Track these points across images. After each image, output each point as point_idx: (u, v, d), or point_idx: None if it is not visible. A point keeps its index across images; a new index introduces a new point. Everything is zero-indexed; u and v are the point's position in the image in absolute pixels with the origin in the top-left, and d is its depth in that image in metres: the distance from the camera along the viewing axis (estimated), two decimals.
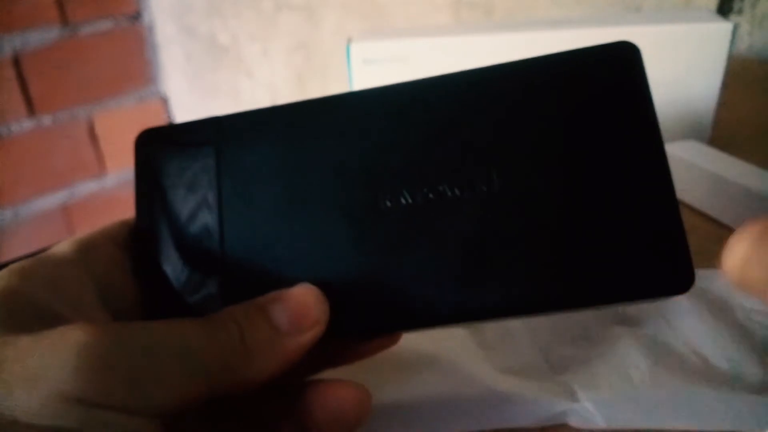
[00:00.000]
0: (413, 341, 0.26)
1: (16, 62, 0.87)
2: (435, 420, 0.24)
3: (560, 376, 0.25)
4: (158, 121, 1.06)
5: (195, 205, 0.22)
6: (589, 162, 0.19)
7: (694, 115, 0.41)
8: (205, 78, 1.02)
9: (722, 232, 0.34)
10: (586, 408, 0.23)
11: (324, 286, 0.20)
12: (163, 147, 0.23)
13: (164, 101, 1.06)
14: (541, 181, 0.20)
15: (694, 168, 0.36)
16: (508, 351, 0.26)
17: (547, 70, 0.20)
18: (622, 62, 0.20)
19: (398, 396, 0.24)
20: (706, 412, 0.23)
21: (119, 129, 1.00)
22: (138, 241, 0.22)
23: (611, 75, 0.20)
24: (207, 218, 0.22)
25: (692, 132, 0.42)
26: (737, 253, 0.16)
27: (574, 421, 0.23)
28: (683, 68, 0.40)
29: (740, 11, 0.62)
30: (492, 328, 0.27)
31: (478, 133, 0.20)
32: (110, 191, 1.03)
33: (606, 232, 0.19)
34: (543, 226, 0.19)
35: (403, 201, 0.20)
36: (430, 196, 0.20)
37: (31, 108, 0.91)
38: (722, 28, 0.39)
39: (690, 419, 0.22)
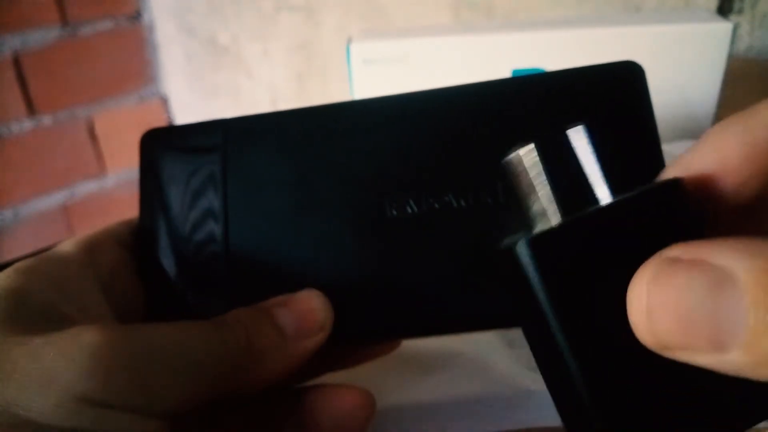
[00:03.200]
0: (441, 341, 0.26)
1: (16, 62, 0.87)
2: (466, 418, 0.24)
3: None
4: (158, 121, 1.06)
5: (200, 207, 0.22)
6: None
7: (694, 115, 0.41)
8: (205, 78, 1.02)
9: None
10: None
11: (328, 291, 0.20)
12: (169, 147, 0.23)
13: (164, 101, 1.06)
14: None
15: None
16: None
17: (554, 86, 0.21)
18: (627, 81, 0.20)
19: (427, 395, 0.24)
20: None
21: (119, 129, 1.00)
22: (141, 241, 0.22)
23: (616, 94, 0.20)
24: (212, 220, 0.22)
25: (692, 132, 0.42)
26: (636, 304, 0.13)
27: None
28: (683, 68, 0.40)
29: (740, 11, 0.62)
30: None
31: (484, 146, 0.21)
32: (110, 191, 1.03)
33: None
34: None
35: (408, 210, 0.21)
36: (436, 205, 0.20)
37: (31, 108, 0.91)
38: (722, 28, 0.39)
39: None
